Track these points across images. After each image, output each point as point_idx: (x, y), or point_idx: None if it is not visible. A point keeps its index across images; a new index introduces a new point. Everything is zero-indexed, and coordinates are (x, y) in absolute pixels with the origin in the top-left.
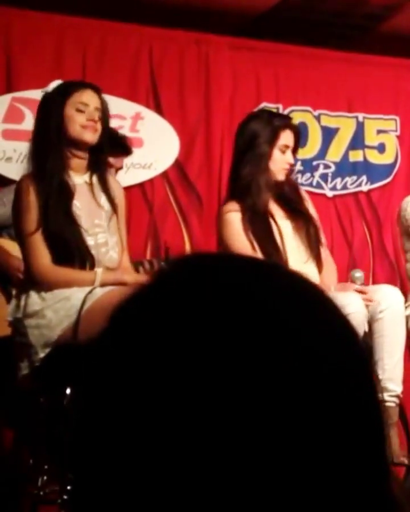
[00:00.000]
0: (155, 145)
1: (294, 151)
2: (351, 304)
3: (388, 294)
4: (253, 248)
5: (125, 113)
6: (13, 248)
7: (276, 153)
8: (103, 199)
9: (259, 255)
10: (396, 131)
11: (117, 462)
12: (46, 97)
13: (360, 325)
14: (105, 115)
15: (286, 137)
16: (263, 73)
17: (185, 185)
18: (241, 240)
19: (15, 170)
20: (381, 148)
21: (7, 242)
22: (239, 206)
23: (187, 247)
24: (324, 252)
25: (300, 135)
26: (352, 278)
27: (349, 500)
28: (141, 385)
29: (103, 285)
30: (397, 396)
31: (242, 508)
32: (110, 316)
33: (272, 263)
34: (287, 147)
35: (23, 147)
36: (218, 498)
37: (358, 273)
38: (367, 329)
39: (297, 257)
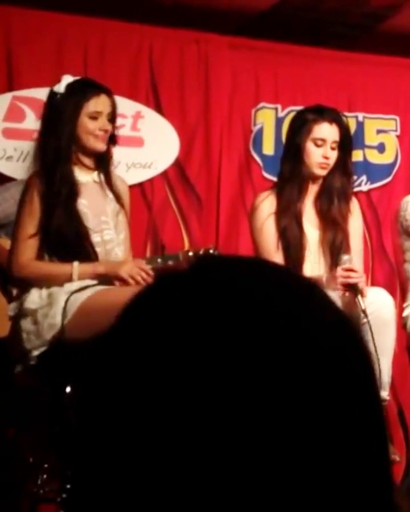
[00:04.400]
0: (155, 145)
1: (342, 148)
2: None
3: (374, 298)
4: (276, 245)
5: (126, 112)
6: None
7: (310, 146)
8: (109, 197)
9: (279, 252)
10: (396, 130)
11: (120, 459)
12: (59, 98)
13: None
14: (114, 116)
15: (321, 131)
16: (263, 72)
17: (185, 185)
18: (264, 234)
19: (16, 169)
20: (381, 148)
21: (6, 242)
22: (276, 198)
23: (186, 247)
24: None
25: (346, 130)
26: (341, 261)
27: (351, 498)
28: (147, 384)
29: (80, 277)
30: (383, 400)
31: (243, 507)
32: (119, 315)
33: (270, 262)
34: (323, 140)
35: (24, 146)
36: (219, 497)
37: (345, 257)
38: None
39: (314, 267)
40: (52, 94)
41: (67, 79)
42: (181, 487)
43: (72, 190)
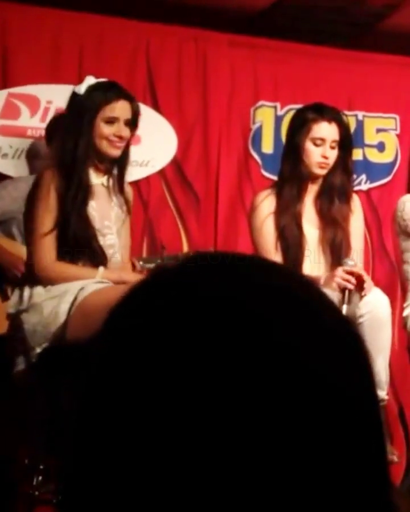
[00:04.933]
0: (152, 143)
1: (342, 146)
2: None
3: (369, 299)
4: (275, 245)
5: None
6: (11, 246)
7: (309, 145)
8: (114, 202)
9: (278, 252)
10: (396, 129)
11: (113, 463)
12: (78, 100)
13: None
14: (134, 123)
15: (320, 130)
16: (262, 70)
17: (183, 184)
18: (263, 234)
19: (11, 167)
20: (380, 147)
21: (3, 240)
22: (275, 197)
23: (184, 246)
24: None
25: (346, 129)
26: (345, 264)
27: (349, 498)
28: (131, 387)
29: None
30: (381, 400)
31: (242, 508)
32: (106, 318)
33: (268, 262)
34: (322, 140)
35: (19, 143)
36: (215, 501)
37: (350, 262)
38: None
39: (314, 267)
40: (73, 95)
41: (89, 80)
42: (170, 486)
43: (86, 191)
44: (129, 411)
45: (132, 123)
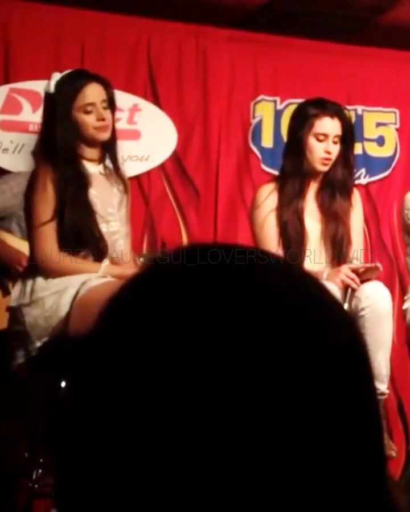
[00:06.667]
0: (152, 138)
1: (345, 141)
2: None
3: (371, 292)
4: (278, 240)
5: (123, 105)
6: (11, 241)
7: (312, 141)
8: (116, 189)
9: (280, 248)
10: (395, 123)
11: (106, 458)
12: (51, 98)
13: None
14: (111, 103)
15: (323, 125)
16: (262, 65)
17: (183, 178)
18: (265, 230)
19: (12, 162)
20: (380, 141)
21: (4, 235)
22: (277, 191)
23: (184, 240)
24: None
25: (348, 123)
26: (352, 264)
27: (346, 493)
28: (122, 384)
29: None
30: (381, 394)
31: (238, 508)
32: (100, 312)
33: (268, 258)
34: (325, 135)
35: (20, 138)
36: (205, 498)
37: (356, 262)
38: None
39: (314, 260)
40: (46, 95)
41: (55, 77)
42: (160, 480)
43: (83, 180)
44: (119, 408)
45: (110, 103)
